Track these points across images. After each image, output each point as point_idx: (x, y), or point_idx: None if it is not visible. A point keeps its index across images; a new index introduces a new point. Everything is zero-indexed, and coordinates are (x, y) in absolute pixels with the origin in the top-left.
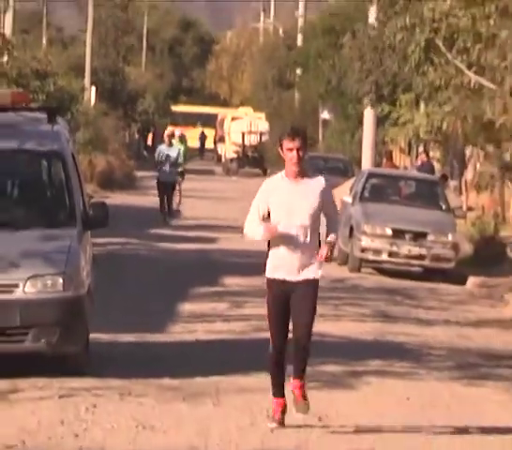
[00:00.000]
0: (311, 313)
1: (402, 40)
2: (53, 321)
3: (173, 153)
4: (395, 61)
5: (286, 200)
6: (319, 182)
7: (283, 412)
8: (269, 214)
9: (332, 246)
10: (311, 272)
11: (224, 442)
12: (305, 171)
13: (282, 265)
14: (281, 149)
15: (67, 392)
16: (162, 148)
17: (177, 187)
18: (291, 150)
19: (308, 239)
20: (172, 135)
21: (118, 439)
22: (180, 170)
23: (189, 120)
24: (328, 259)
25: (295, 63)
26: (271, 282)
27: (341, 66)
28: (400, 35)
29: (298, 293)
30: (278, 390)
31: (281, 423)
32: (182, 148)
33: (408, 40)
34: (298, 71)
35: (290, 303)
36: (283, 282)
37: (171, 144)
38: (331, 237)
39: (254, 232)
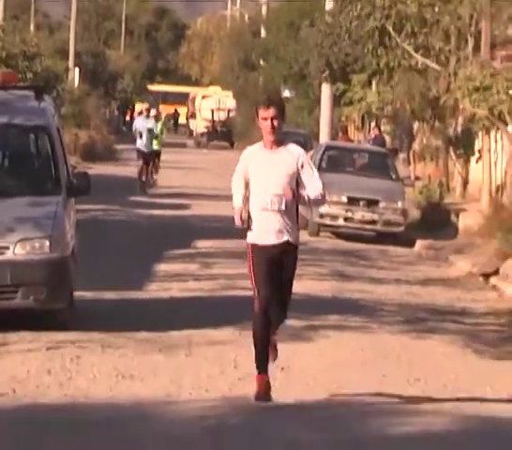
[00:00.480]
0: (292, 272)
1: (357, 26)
2: (41, 280)
3: (150, 124)
4: (349, 44)
5: (262, 169)
6: (294, 150)
7: (269, 388)
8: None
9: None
10: (290, 236)
11: (196, 389)
12: (281, 140)
13: (262, 232)
14: (257, 118)
15: (54, 344)
16: (140, 120)
17: (156, 161)
18: (265, 119)
19: (285, 207)
20: (148, 109)
21: (100, 387)
22: (155, 148)
23: (165, 98)
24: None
25: (259, 50)
26: (253, 247)
27: (302, 54)
28: (356, 22)
29: (279, 255)
30: (264, 364)
31: (269, 398)
32: (159, 124)
33: (362, 26)
34: (262, 62)
35: (273, 263)
36: (264, 246)
37: (148, 116)
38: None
39: (234, 197)
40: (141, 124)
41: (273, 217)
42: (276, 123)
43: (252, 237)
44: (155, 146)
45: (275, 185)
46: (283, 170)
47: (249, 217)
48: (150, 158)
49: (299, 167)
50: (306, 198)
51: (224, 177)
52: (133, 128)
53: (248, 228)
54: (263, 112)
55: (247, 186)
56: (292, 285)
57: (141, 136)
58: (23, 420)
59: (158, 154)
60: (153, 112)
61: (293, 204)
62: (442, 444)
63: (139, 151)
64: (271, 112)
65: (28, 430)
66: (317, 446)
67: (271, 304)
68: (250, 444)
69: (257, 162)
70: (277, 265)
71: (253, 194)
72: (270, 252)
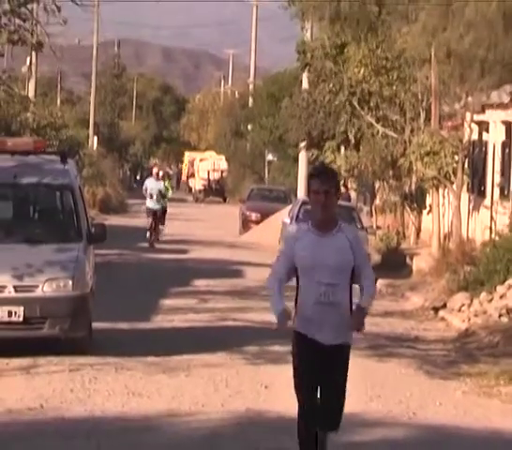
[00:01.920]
0: (343, 376)
1: (329, 101)
2: (65, 313)
3: (159, 186)
4: (322, 116)
5: (312, 255)
6: (349, 233)
7: None
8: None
9: (365, 313)
10: (342, 336)
11: (194, 404)
12: (334, 219)
13: (310, 323)
14: (309, 191)
15: (75, 367)
16: (151, 182)
17: (162, 217)
18: (317, 193)
19: (338, 298)
20: (158, 173)
21: (114, 403)
22: (163, 205)
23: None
24: (360, 328)
25: (247, 120)
26: (299, 336)
27: (281, 122)
28: (328, 96)
29: (329, 356)
30: None
31: None
32: (167, 183)
33: (332, 100)
34: (249, 127)
35: (319, 363)
36: (312, 341)
37: (158, 179)
38: (364, 302)
39: (272, 297)
40: (151, 185)
41: (325, 310)
42: (329, 199)
43: (301, 326)
44: (163, 204)
45: (327, 273)
46: (336, 257)
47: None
48: (156, 214)
49: (353, 253)
50: (359, 289)
51: (217, 227)
52: (144, 189)
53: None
54: (315, 184)
55: (289, 272)
56: (343, 391)
57: (151, 196)
58: (50, 431)
59: (164, 209)
60: (161, 173)
61: (348, 295)
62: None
63: (149, 209)
64: (325, 185)
65: (54, 440)
66: None
67: (315, 412)
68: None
69: (305, 246)
70: (325, 366)
71: (302, 284)
72: (319, 351)
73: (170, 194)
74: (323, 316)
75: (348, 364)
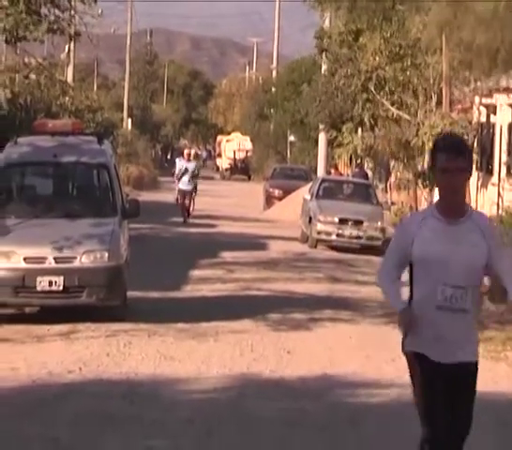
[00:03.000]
0: (472, 399)
1: (344, 85)
2: (101, 282)
3: (190, 167)
4: (340, 100)
5: (435, 248)
6: (481, 221)
7: None
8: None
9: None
10: (469, 352)
11: (221, 368)
12: (464, 203)
13: (433, 341)
14: (433, 166)
15: (111, 333)
16: (182, 163)
17: (193, 195)
18: (448, 171)
19: (466, 305)
20: (189, 154)
21: (147, 366)
22: (194, 184)
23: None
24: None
25: (270, 104)
26: (420, 360)
27: (302, 106)
28: (343, 81)
29: (458, 377)
30: None
31: None
32: (197, 163)
33: (348, 85)
34: (272, 110)
35: (448, 389)
36: (438, 364)
37: (189, 160)
38: None
39: (387, 294)
40: (183, 166)
41: (452, 319)
42: (463, 178)
43: (417, 345)
44: (194, 183)
45: (457, 273)
46: (470, 251)
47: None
48: (189, 194)
49: (489, 246)
50: (498, 291)
51: (243, 203)
52: (175, 170)
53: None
54: (445, 161)
55: (401, 267)
56: (470, 418)
57: (182, 176)
58: (88, 392)
59: (195, 187)
60: (193, 150)
61: (476, 302)
62: (410, 410)
63: (181, 191)
64: (460, 162)
65: (92, 400)
66: (313, 410)
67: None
68: (264, 409)
69: (427, 237)
70: (453, 391)
71: (420, 284)
72: (447, 372)
73: (198, 172)
74: (445, 326)
75: (476, 381)
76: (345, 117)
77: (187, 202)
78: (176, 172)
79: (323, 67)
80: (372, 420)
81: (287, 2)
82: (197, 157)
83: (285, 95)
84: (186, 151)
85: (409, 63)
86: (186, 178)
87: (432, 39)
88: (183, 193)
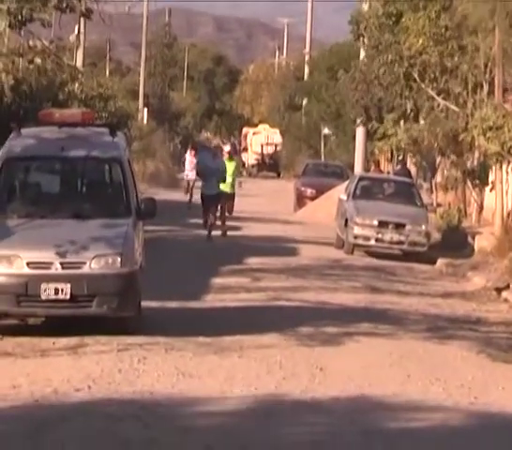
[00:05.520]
0: None
1: (385, 73)
2: (113, 290)
3: (217, 166)
4: (380, 89)
5: None
6: None
7: None
8: None
9: None
10: None
11: (246, 387)
12: None
13: None
14: None
15: (124, 347)
16: (206, 159)
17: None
18: None
19: None
20: (217, 147)
21: (163, 384)
22: (230, 190)
23: None
24: None
25: (302, 92)
26: None
27: (339, 95)
28: (383, 68)
29: None
30: None
31: None
32: (234, 164)
33: (389, 73)
34: (304, 100)
35: None
36: None
37: (215, 156)
38: None
39: None
40: (207, 164)
41: None
42: None
43: None
44: (225, 188)
45: None
46: None
47: None
48: (215, 202)
49: None
50: None
51: (271, 203)
52: (198, 168)
53: None
54: None
55: None
56: None
57: (206, 178)
58: (98, 413)
59: (229, 196)
60: (226, 148)
61: None
62: (458, 437)
63: (203, 195)
64: None
65: (102, 422)
66: (348, 436)
67: None
68: (293, 434)
69: None
70: None
71: None
72: None
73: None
74: None
75: None
76: (385, 108)
77: (211, 211)
78: (199, 170)
79: (362, 54)
80: (414, 448)
81: None
82: (231, 153)
83: (320, 82)
84: (213, 143)
85: (456, 46)
86: (212, 181)
87: (482, 19)
88: (206, 199)
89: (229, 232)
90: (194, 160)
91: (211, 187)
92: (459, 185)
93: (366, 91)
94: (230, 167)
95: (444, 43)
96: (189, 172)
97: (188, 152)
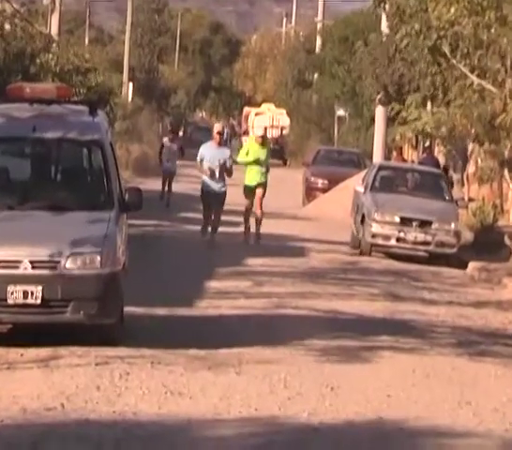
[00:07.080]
0: None
1: (408, 46)
2: (91, 294)
3: (222, 155)
4: (403, 64)
5: None
6: None
7: None
8: None
9: None
10: None
11: (245, 408)
12: None
13: None
14: None
15: (103, 360)
16: (209, 148)
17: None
18: None
19: None
20: (221, 132)
21: (149, 404)
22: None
23: None
24: None
25: (313, 67)
26: None
27: (355, 70)
28: (406, 40)
29: None
30: None
31: None
32: (265, 151)
33: (414, 46)
34: (316, 75)
35: None
36: None
37: (220, 144)
38: None
39: None
40: (211, 153)
41: None
42: None
43: None
44: (223, 185)
45: None
46: None
47: None
48: (216, 200)
49: None
50: None
51: (276, 195)
52: (198, 158)
53: None
54: None
55: None
56: None
57: (211, 171)
58: (72, 436)
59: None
60: (226, 131)
61: None
62: None
63: (203, 192)
64: None
65: (77, 447)
66: None
67: None
68: None
69: None
70: None
71: None
72: None
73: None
74: None
75: None
76: (408, 87)
77: (213, 212)
78: (198, 162)
79: (383, 24)
80: None
81: None
82: (266, 141)
83: (333, 56)
84: (216, 127)
85: (494, 17)
86: (216, 175)
87: None
88: (208, 197)
89: (227, 229)
90: (174, 147)
91: (215, 182)
92: (496, 177)
93: (386, 66)
94: (262, 153)
95: (479, 13)
96: (167, 163)
97: (166, 137)
